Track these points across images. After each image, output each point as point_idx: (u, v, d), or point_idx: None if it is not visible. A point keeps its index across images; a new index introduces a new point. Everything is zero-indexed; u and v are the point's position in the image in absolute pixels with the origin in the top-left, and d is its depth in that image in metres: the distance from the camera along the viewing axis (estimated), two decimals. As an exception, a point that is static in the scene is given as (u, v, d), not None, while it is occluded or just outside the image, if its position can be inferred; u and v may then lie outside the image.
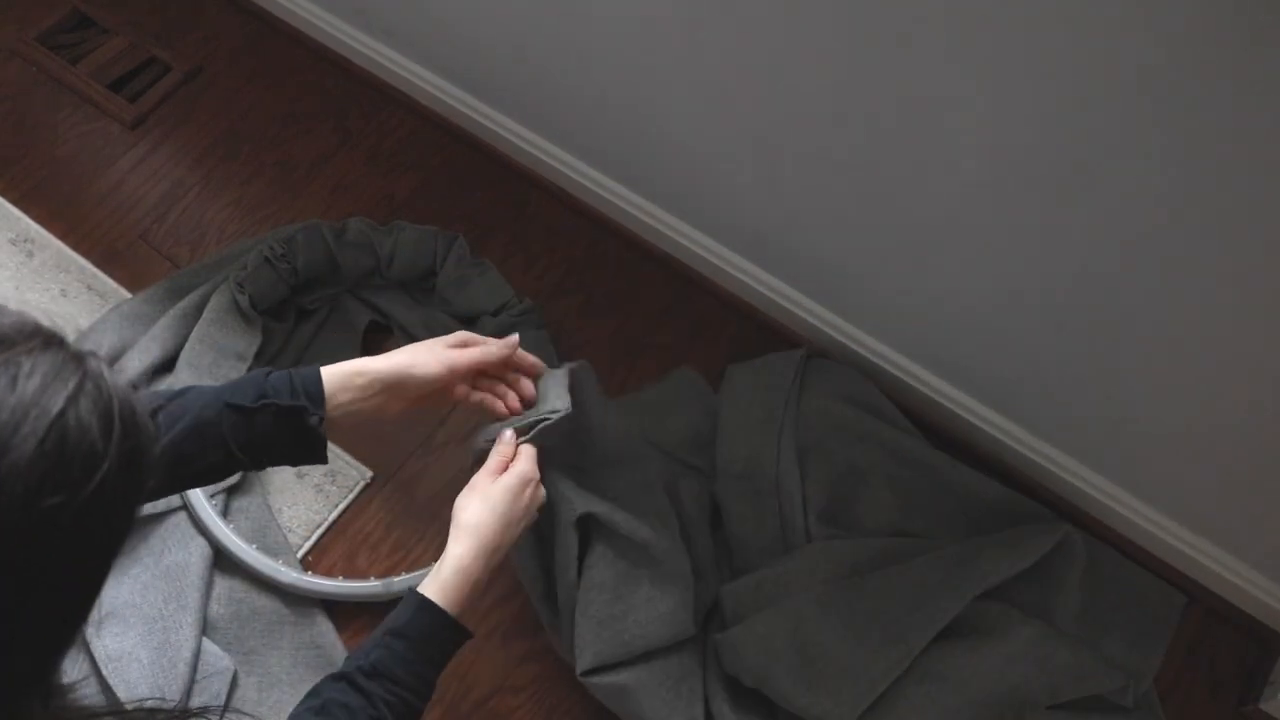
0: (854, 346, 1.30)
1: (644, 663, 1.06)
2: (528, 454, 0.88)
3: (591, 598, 1.05)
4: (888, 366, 1.29)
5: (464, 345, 0.88)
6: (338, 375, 0.82)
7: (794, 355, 1.27)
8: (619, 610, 1.05)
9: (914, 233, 1.08)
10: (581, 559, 1.06)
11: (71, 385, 0.42)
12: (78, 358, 0.43)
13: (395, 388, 0.84)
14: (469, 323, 1.34)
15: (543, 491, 0.89)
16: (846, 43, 0.91)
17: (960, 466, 1.21)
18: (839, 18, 0.89)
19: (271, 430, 0.79)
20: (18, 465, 0.39)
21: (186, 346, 1.26)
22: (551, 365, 1.30)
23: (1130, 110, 0.78)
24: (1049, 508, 1.22)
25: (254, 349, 1.27)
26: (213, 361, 1.25)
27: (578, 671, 1.05)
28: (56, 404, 0.41)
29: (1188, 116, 0.75)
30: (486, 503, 0.83)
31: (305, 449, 0.81)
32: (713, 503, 1.22)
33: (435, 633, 0.79)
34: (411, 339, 1.35)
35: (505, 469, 0.87)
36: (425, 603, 0.79)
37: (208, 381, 1.22)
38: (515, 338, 0.92)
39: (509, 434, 0.89)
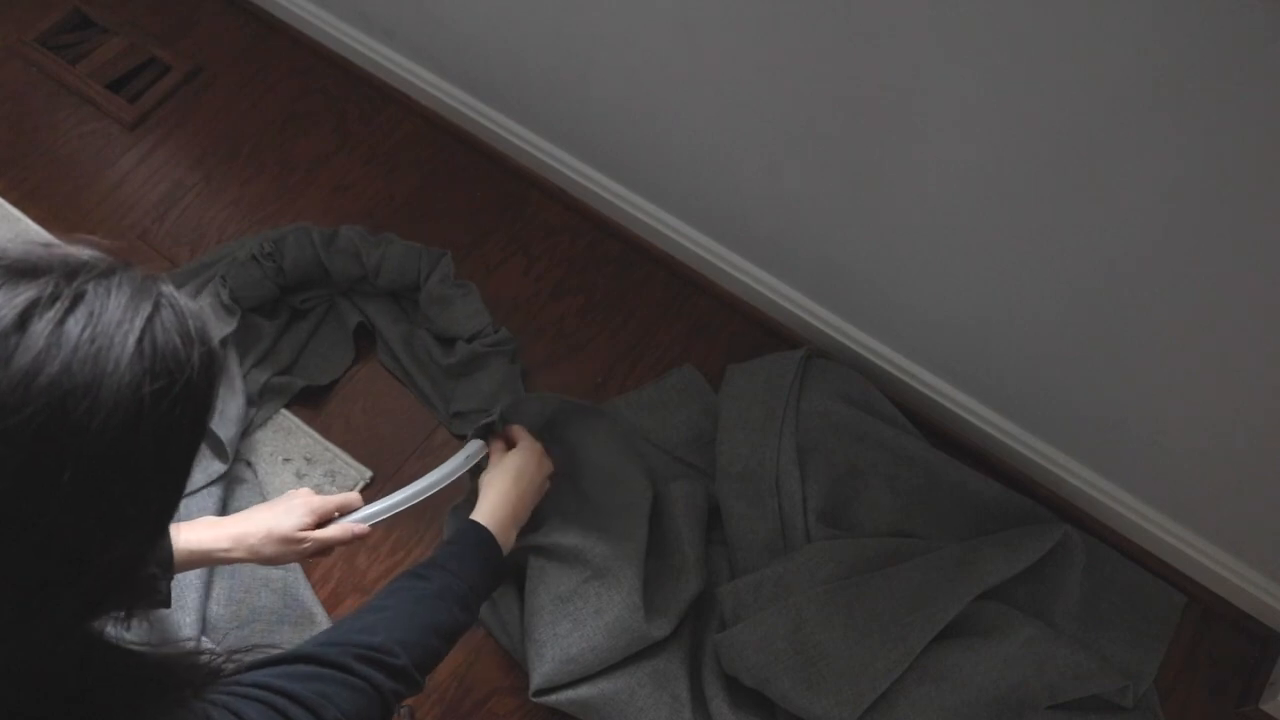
0: (854, 347, 1.30)
1: (606, 675, 1.07)
2: (522, 433, 1.14)
3: (533, 622, 1.09)
4: (888, 367, 1.29)
5: (319, 518, 0.99)
6: (183, 552, 0.92)
7: (794, 355, 1.27)
8: (562, 629, 1.07)
9: (914, 234, 1.08)
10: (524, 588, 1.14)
11: (154, 297, 0.49)
12: (152, 278, 0.51)
13: (248, 561, 0.97)
14: (447, 343, 1.34)
15: (548, 463, 1.12)
16: (847, 45, 0.91)
17: (960, 467, 1.21)
18: (839, 19, 0.89)
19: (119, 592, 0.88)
20: (123, 357, 0.46)
21: None
22: (517, 394, 1.32)
23: (1133, 112, 0.78)
24: (1048, 508, 1.22)
25: (225, 332, 1.26)
26: None
27: (529, 694, 1.07)
28: (145, 311, 0.48)
29: (1192, 118, 0.75)
30: (502, 468, 1.07)
31: (151, 603, 0.88)
32: (712, 502, 1.22)
33: (480, 542, 0.95)
34: (391, 354, 1.35)
35: (510, 446, 1.12)
36: (470, 523, 0.97)
37: None
38: (358, 497, 1.05)
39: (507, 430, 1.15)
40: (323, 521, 0.99)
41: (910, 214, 1.05)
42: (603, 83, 1.22)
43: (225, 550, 0.94)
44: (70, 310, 0.45)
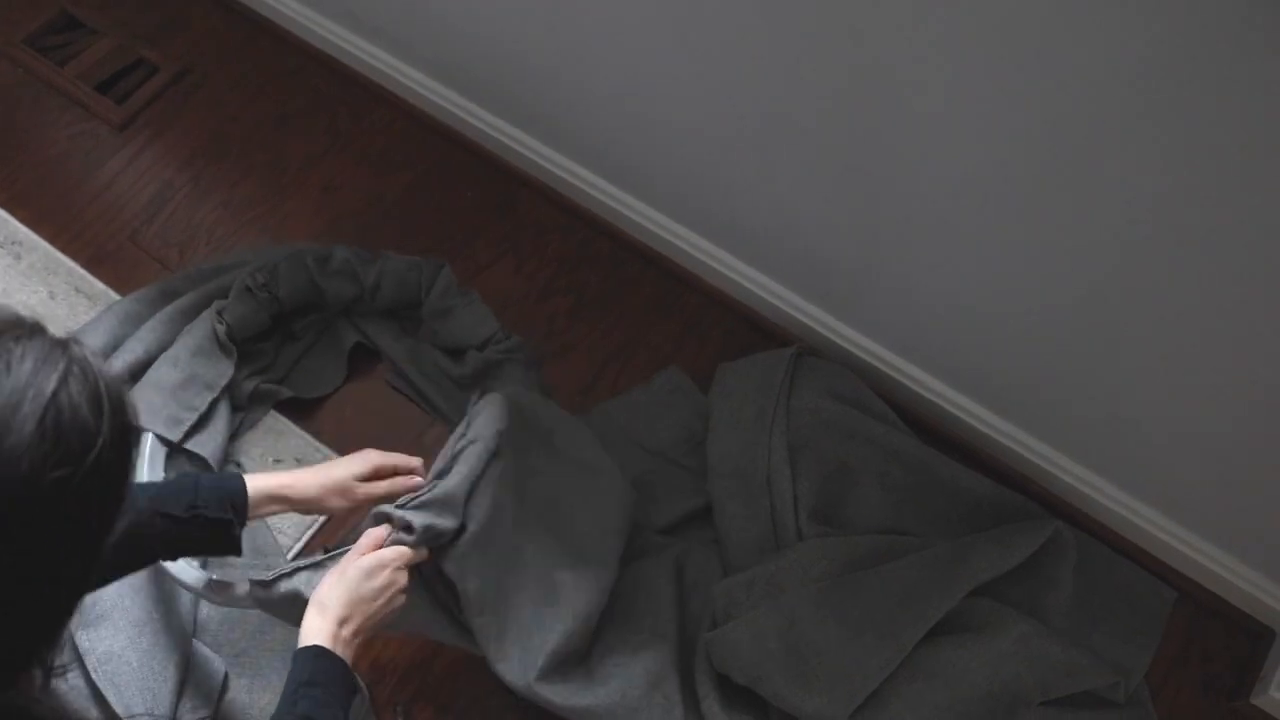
0: (845, 344, 1.30)
1: (601, 681, 1.06)
2: (394, 546, 0.94)
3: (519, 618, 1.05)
4: (878, 364, 1.29)
5: (376, 471, 0.99)
6: (260, 494, 0.92)
7: (785, 354, 1.27)
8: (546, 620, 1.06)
9: (905, 231, 1.08)
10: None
11: (61, 368, 0.44)
12: (62, 343, 0.46)
13: (306, 511, 0.98)
14: (456, 355, 1.33)
15: (402, 578, 0.92)
16: (839, 43, 0.91)
17: (951, 463, 1.21)
18: (831, 16, 0.89)
19: (197, 537, 0.89)
20: (20, 445, 0.42)
21: (160, 367, 1.23)
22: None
23: (1130, 109, 0.78)
24: (1040, 503, 1.22)
25: (224, 381, 1.24)
26: (179, 384, 1.22)
27: (533, 678, 1.04)
28: (49, 385, 0.43)
29: (1190, 117, 0.75)
30: (339, 578, 0.90)
31: (226, 550, 0.92)
32: (705, 502, 1.22)
33: (337, 677, 0.84)
34: (397, 371, 1.34)
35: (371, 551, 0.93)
36: (323, 651, 0.84)
37: (171, 405, 1.21)
38: (419, 464, 1.02)
39: (384, 527, 0.95)
40: (380, 476, 1.00)
41: (901, 211, 1.05)
42: (593, 81, 1.22)
43: (287, 487, 0.95)
44: None
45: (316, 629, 0.86)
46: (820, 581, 1.10)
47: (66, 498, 0.43)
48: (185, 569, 1.02)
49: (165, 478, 1.17)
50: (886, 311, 1.23)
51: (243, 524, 0.91)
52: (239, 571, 1.09)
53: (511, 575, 1.05)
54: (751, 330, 1.39)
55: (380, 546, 0.94)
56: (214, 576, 1.02)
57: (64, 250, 1.42)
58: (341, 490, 0.97)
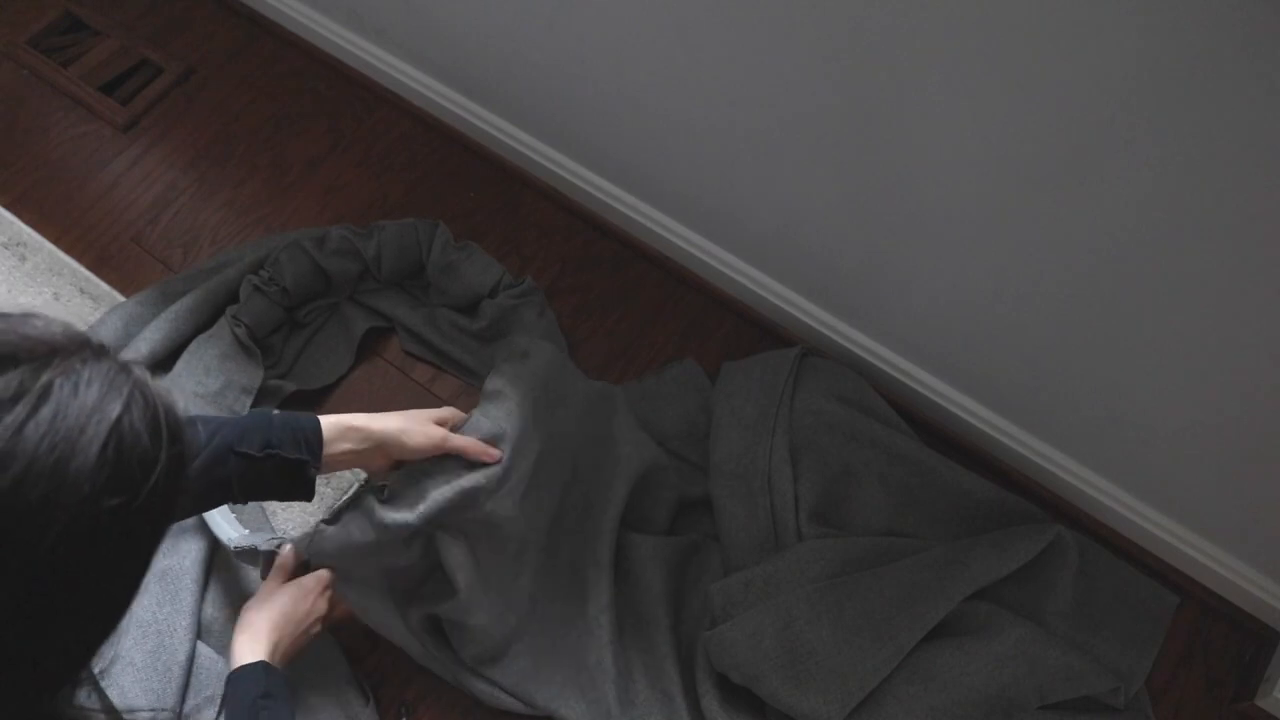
0: (847, 345, 1.30)
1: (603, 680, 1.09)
2: (314, 573, 0.98)
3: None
4: (881, 365, 1.29)
5: (444, 422, 0.98)
6: (336, 426, 0.91)
7: (788, 354, 1.27)
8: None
9: (907, 230, 1.07)
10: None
11: (125, 393, 0.44)
12: (125, 368, 0.46)
13: (386, 447, 0.94)
14: (470, 311, 1.34)
15: (323, 605, 0.97)
16: (841, 41, 0.91)
17: (953, 465, 1.20)
18: (831, 15, 0.89)
19: (271, 478, 0.88)
20: (84, 468, 0.42)
21: (194, 375, 1.25)
22: (558, 344, 1.28)
23: (1130, 109, 0.78)
24: (1043, 505, 1.22)
25: (257, 383, 1.26)
26: (219, 391, 1.25)
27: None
28: (114, 410, 0.43)
29: (1190, 117, 0.75)
30: (268, 603, 0.94)
31: (297, 493, 0.91)
32: (704, 493, 1.23)
33: (288, 694, 0.89)
34: (416, 338, 1.35)
35: (288, 577, 0.98)
36: (271, 667, 0.88)
37: (211, 410, 1.22)
38: (497, 454, 1.00)
39: (289, 549, 0.99)
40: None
41: (904, 211, 1.05)
42: (595, 82, 1.22)
43: (364, 423, 0.93)
44: (34, 412, 0.41)
45: (252, 652, 0.89)
46: (818, 582, 1.10)
47: (121, 523, 0.44)
48: (225, 525, 1.07)
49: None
50: (889, 311, 1.23)
51: (317, 465, 0.89)
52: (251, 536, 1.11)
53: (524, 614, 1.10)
54: (754, 331, 1.39)
55: (288, 573, 0.98)
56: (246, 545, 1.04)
57: (68, 252, 1.43)
58: (421, 424, 0.95)
